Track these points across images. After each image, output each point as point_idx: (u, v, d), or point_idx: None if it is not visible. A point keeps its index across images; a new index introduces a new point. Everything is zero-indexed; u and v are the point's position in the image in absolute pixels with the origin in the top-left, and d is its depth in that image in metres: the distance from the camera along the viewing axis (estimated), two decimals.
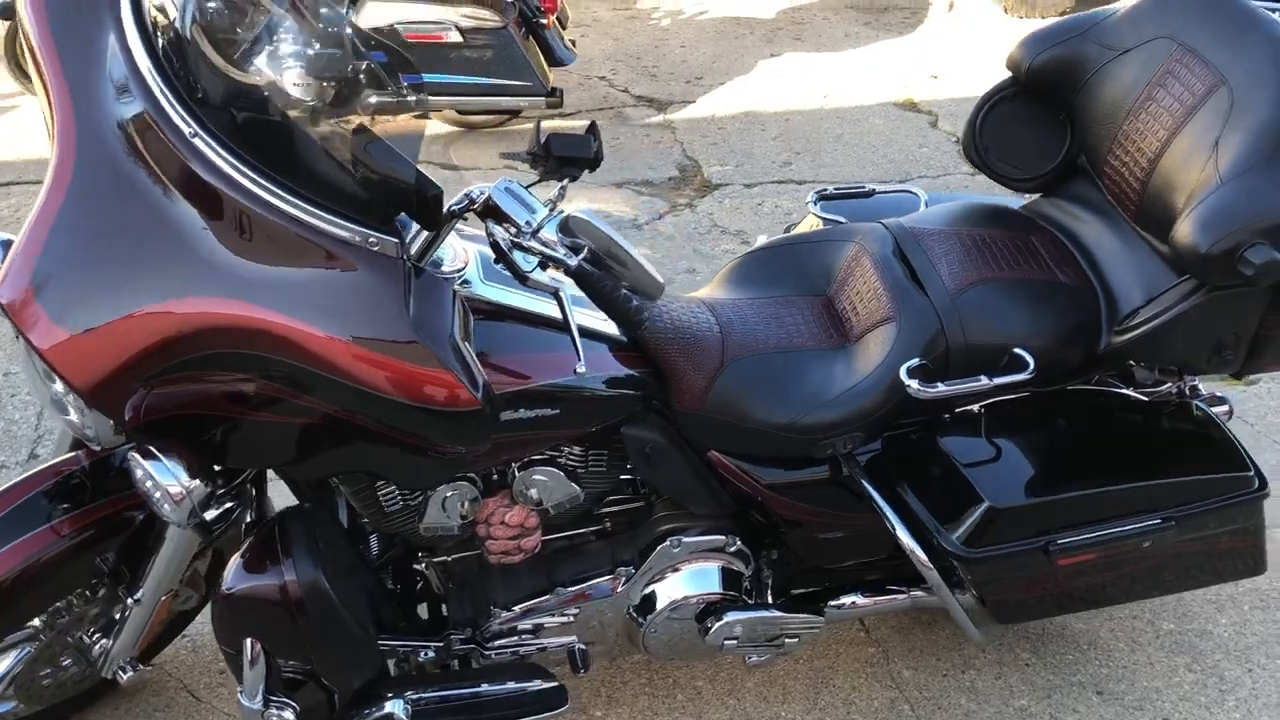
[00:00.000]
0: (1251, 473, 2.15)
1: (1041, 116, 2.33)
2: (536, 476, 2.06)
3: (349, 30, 1.95)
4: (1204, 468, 2.16)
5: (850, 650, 2.67)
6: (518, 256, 1.84)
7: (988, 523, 2.03)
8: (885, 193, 2.52)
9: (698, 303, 2.20)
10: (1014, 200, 2.47)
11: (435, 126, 5.43)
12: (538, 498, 2.07)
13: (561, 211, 1.85)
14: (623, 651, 2.35)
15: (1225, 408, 2.42)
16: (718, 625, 2.23)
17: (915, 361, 2.04)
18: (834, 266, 2.29)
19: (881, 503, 2.11)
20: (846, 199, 2.51)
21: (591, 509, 2.26)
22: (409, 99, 5.19)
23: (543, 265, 1.84)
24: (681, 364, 2.07)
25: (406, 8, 4.86)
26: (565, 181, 1.84)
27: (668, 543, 2.21)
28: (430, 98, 5.04)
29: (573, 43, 5.46)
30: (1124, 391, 2.28)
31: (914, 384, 2.00)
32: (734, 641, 2.26)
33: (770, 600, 2.35)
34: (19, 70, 5.35)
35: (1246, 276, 1.84)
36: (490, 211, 1.78)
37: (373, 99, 2.07)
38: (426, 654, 2.24)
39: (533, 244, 1.78)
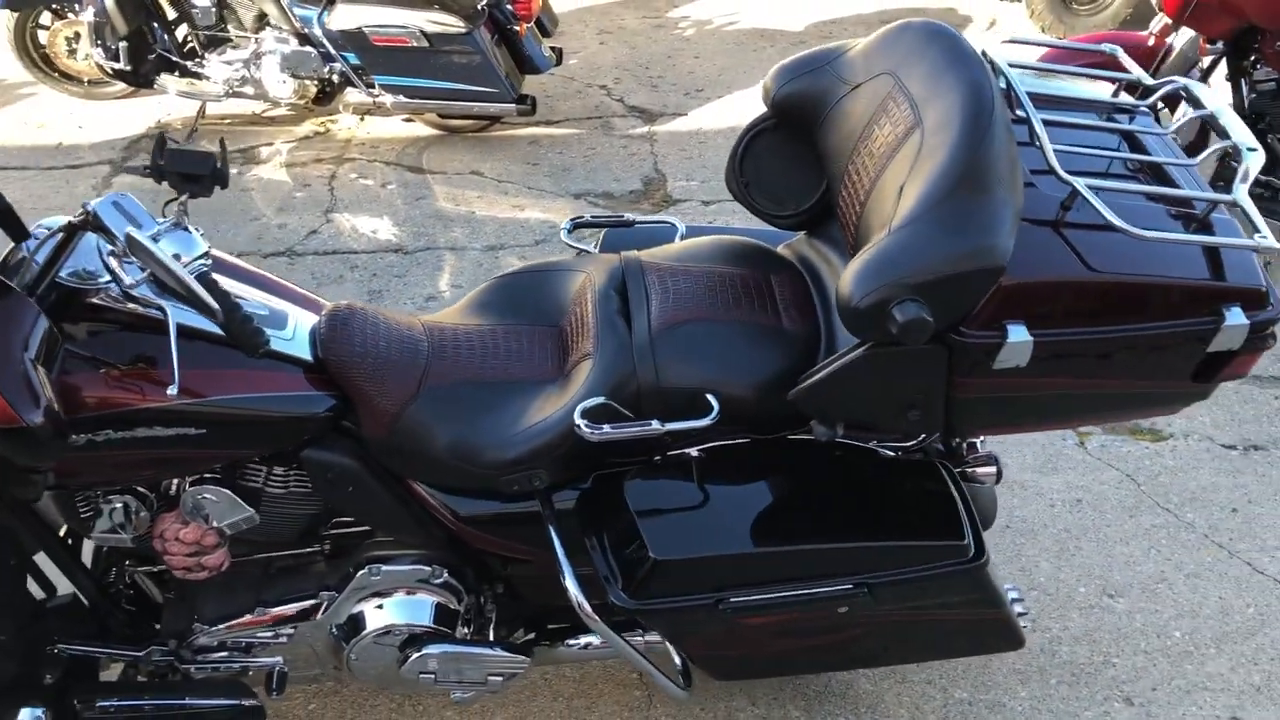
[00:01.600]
0: (966, 541, 2.00)
1: (801, 151, 2.22)
2: (205, 495, 2.04)
3: None
4: (911, 533, 2.02)
5: (615, 692, 2.59)
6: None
7: (651, 574, 1.94)
8: (644, 223, 2.42)
9: (415, 325, 2.16)
10: (785, 237, 2.36)
11: (416, 129, 5.47)
12: (209, 517, 2.05)
13: (186, 228, 1.82)
14: (331, 677, 2.32)
15: (993, 468, 2.28)
16: (414, 658, 2.18)
17: (594, 401, 1.97)
18: (566, 297, 2.22)
19: (557, 546, 2.03)
20: (604, 227, 2.43)
21: (317, 528, 2.24)
22: (383, 101, 5.24)
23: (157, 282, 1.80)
24: (367, 388, 2.03)
25: (374, 11, 4.90)
26: (184, 197, 1.82)
27: (367, 569, 2.18)
28: (400, 99, 5.09)
29: (554, 50, 5.43)
30: (863, 445, 2.15)
31: (583, 424, 1.93)
32: (430, 676, 2.21)
33: (491, 637, 2.30)
34: (30, 60, 5.56)
35: (893, 334, 1.71)
36: (97, 226, 1.75)
37: None
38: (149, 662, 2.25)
39: (116, 262, 1.74)
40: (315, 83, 5.23)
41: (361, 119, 5.57)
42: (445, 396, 2.06)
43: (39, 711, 2.05)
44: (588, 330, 2.09)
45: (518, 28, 5.10)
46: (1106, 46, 2.21)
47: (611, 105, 5.85)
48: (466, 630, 2.27)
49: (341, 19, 4.95)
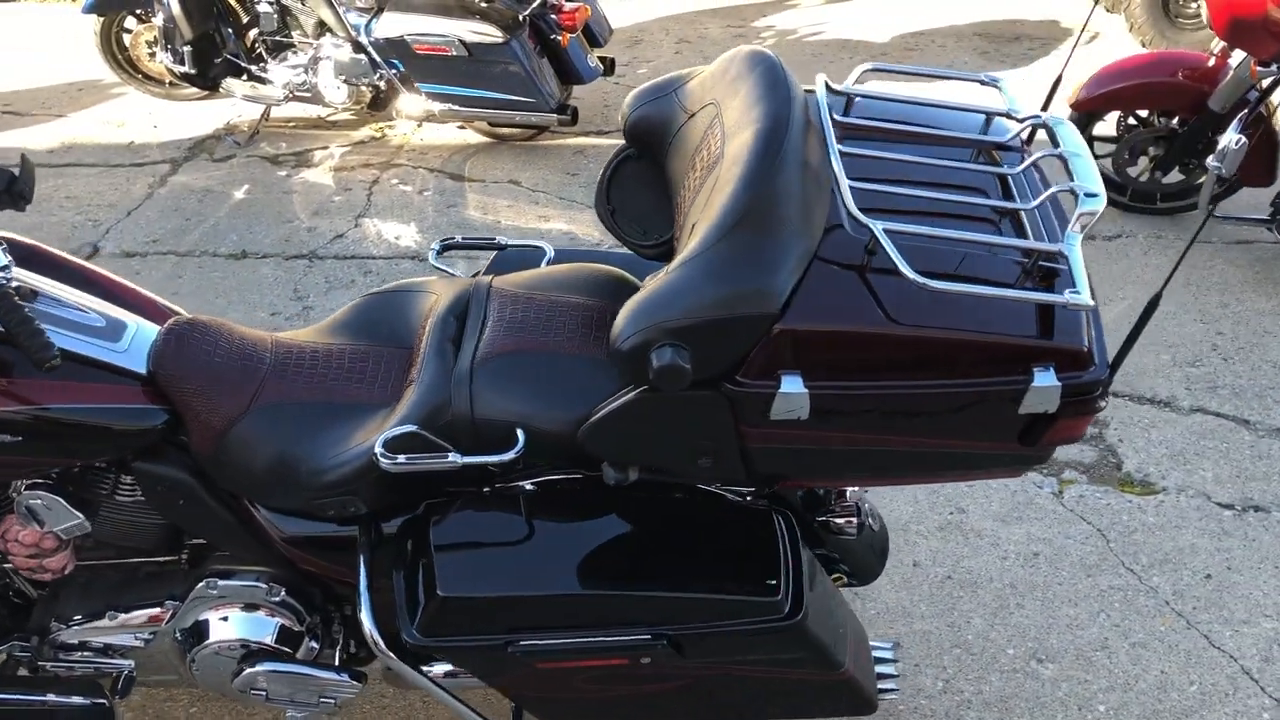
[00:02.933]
0: (779, 598, 1.89)
1: (661, 179, 2.13)
2: (36, 501, 2.08)
3: None
4: (720, 585, 1.91)
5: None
6: None
7: (439, 611, 1.89)
8: (514, 246, 2.37)
9: (264, 342, 2.16)
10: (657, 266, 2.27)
11: (468, 137, 5.52)
12: (43, 522, 2.09)
13: None
14: (185, 683, 2.34)
15: (855, 519, 2.15)
16: (244, 673, 2.18)
17: (401, 430, 1.92)
18: (417, 320, 2.19)
19: (361, 575, 2.00)
20: (472, 249, 2.38)
21: (180, 536, 2.27)
22: (431, 108, 5.27)
23: None
24: (194, 404, 2.04)
25: (416, 19, 4.97)
26: None
27: (205, 582, 2.19)
28: (449, 107, 5.14)
29: (603, 60, 5.40)
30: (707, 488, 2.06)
31: (380, 454, 1.89)
32: (261, 692, 2.21)
33: (338, 659, 2.29)
34: (115, 62, 5.84)
35: (649, 379, 1.63)
36: None
37: None
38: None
39: None
40: (369, 89, 5.33)
41: (419, 125, 5.66)
42: (275, 415, 2.06)
43: None
44: (420, 356, 2.06)
45: (559, 37, 5.10)
46: (987, 76, 2.05)
47: None
48: (315, 647, 2.26)
49: (386, 27, 5.04)
